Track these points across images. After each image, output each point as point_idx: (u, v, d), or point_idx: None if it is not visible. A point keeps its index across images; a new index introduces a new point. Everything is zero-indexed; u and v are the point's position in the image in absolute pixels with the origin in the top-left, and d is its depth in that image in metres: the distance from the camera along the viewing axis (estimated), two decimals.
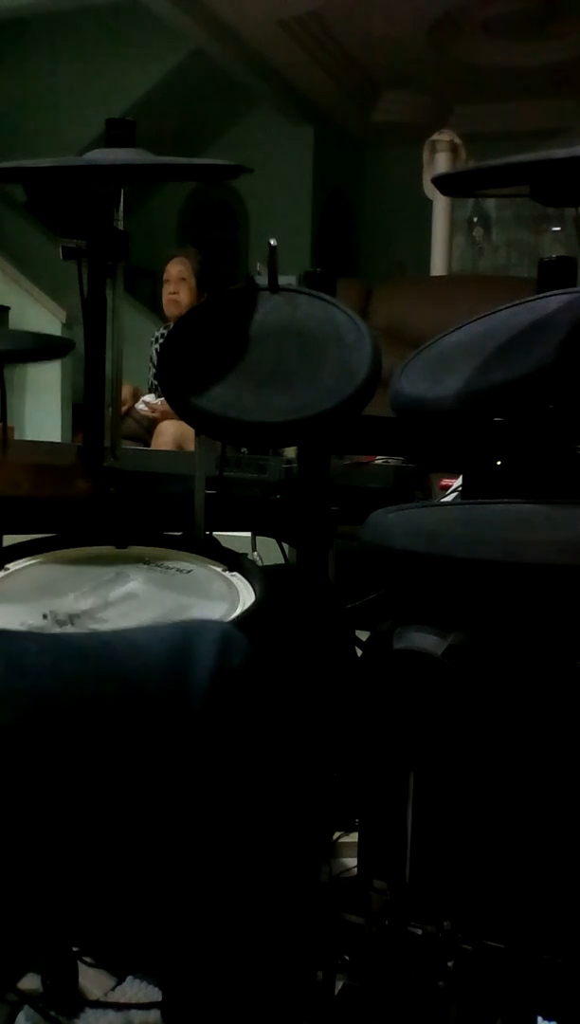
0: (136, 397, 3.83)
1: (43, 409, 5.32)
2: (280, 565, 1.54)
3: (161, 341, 3.65)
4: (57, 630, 1.04)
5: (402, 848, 1.07)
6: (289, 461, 1.57)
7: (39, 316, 5.52)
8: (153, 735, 0.82)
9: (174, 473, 1.52)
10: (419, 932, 1.08)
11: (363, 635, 1.30)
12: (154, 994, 1.30)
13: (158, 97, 6.58)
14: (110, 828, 0.82)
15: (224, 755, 0.85)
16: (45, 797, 0.78)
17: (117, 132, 1.40)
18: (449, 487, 1.53)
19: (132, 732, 0.82)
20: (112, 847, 0.83)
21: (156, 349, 3.77)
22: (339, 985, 1.16)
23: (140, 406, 3.81)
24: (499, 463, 1.26)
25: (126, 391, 3.83)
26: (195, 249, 3.79)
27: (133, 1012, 1.29)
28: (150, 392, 3.84)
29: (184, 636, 0.88)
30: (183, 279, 3.64)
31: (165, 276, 3.73)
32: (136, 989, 1.33)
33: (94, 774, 0.80)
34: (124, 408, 3.70)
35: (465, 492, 1.35)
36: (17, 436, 1.94)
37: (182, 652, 0.86)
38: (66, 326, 5.40)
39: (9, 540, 1.32)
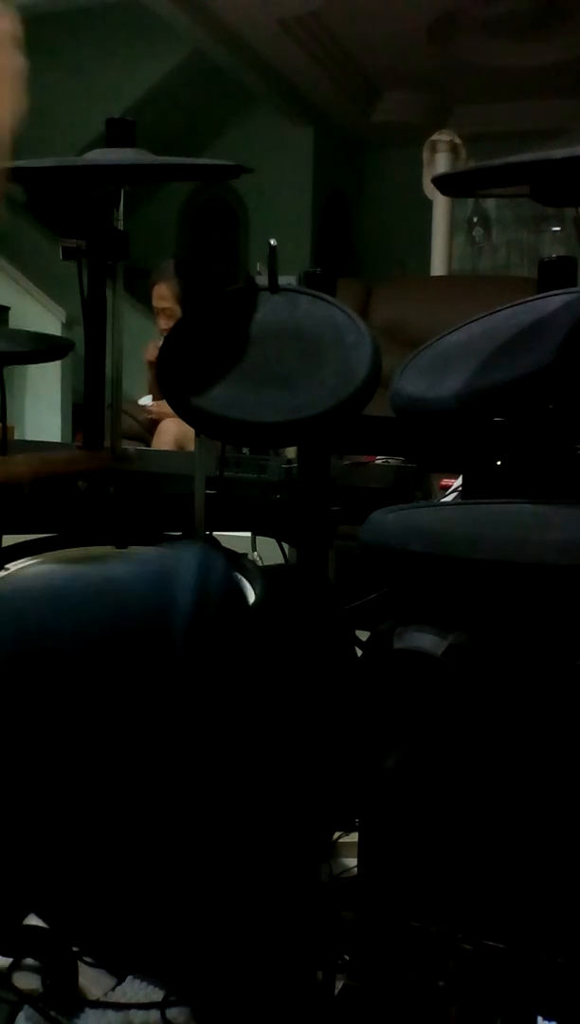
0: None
1: (43, 409, 5.32)
2: (280, 565, 1.54)
3: None
4: None
5: (402, 848, 1.07)
6: (289, 461, 1.57)
7: (39, 316, 5.52)
8: (138, 667, 0.82)
9: (174, 473, 1.52)
10: (419, 932, 1.08)
11: (363, 635, 1.30)
12: (154, 994, 1.30)
13: (158, 97, 6.58)
14: (103, 787, 0.82)
15: (210, 683, 0.85)
16: (36, 741, 0.78)
17: (117, 132, 1.40)
18: (449, 487, 1.53)
19: (118, 665, 0.82)
20: (106, 825, 0.83)
21: None
22: (339, 985, 1.16)
23: (141, 403, 3.81)
24: (499, 463, 1.26)
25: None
26: (172, 266, 3.70)
27: (133, 1012, 1.29)
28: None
29: (163, 566, 0.89)
30: (166, 308, 3.62)
31: (153, 303, 3.70)
32: (136, 989, 1.33)
33: (83, 711, 0.80)
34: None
35: (465, 492, 1.35)
36: (17, 436, 1.94)
37: (162, 582, 0.86)
38: (66, 326, 5.40)
39: (9, 540, 1.32)
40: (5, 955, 1.28)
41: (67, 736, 0.80)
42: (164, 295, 3.64)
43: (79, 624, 0.82)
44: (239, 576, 0.90)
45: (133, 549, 1.30)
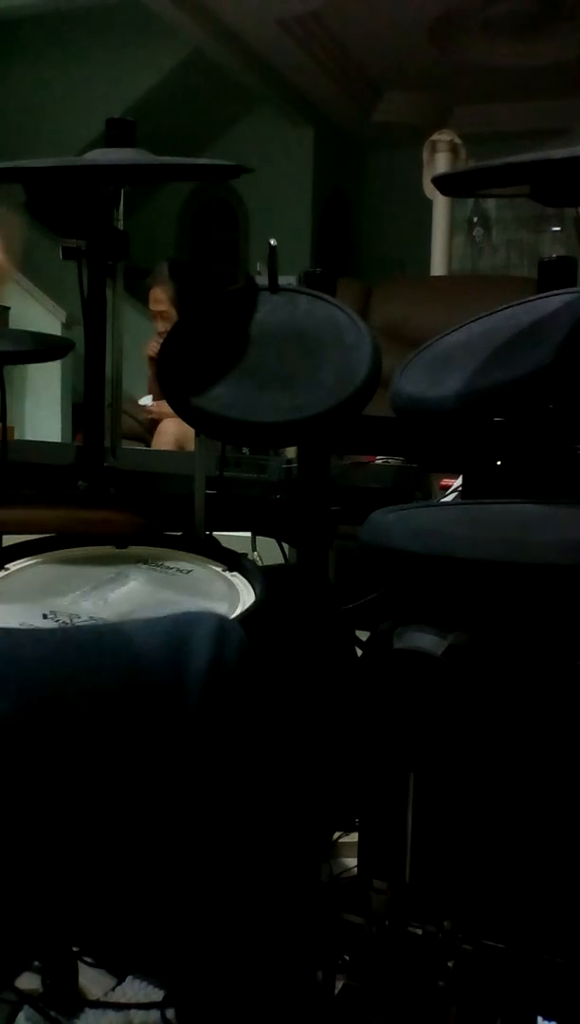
0: None
1: (43, 409, 5.32)
2: (280, 565, 1.54)
3: None
4: None
5: (402, 848, 1.07)
6: (289, 461, 1.57)
7: (39, 316, 5.52)
8: (151, 726, 0.82)
9: (174, 473, 1.52)
10: (419, 932, 1.08)
11: (363, 635, 1.30)
12: (154, 994, 1.30)
13: (158, 97, 6.58)
14: (109, 822, 0.82)
15: (222, 746, 0.85)
16: (43, 788, 0.78)
17: (117, 132, 1.40)
18: (449, 487, 1.53)
19: (130, 723, 0.82)
20: (110, 842, 0.83)
21: None
22: (339, 985, 1.16)
23: (141, 403, 3.81)
24: (499, 463, 1.26)
25: None
26: (168, 268, 3.69)
27: (133, 1012, 1.29)
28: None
29: (179, 628, 0.88)
30: (162, 311, 3.61)
31: (150, 307, 3.69)
32: (136, 989, 1.33)
33: (92, 765, 0.80)
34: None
35: (465, 492, 1.35)
36: (17, 436, 1.94)
37: (178, 644, 0.86)
38: (66, 326, 5.40)
39: (9, 540, 1.32)
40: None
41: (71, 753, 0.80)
42: (159, 298, 3.63)
43: (89, 681, 0.82)
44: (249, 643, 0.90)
45: (133, 550, 1.30)
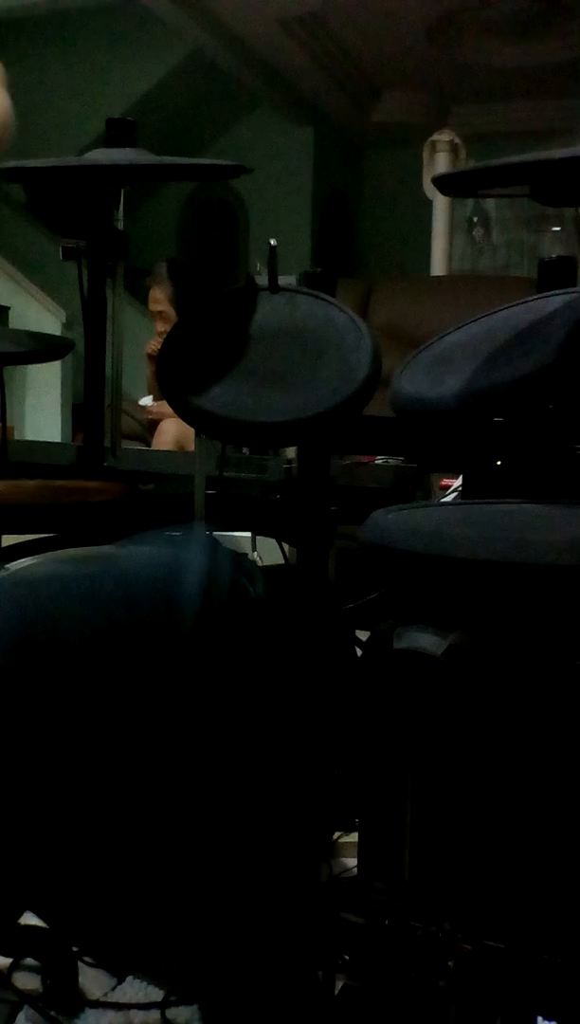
0: None
1: (43, 409, 5.32)
2: (280, 565, 1.54)
3: None
4: None
5: (402, 848, 1.07)
6: (289, 461, 1.57)
7: (39, 316, 5.52)
8: (145, 655, 0.83)
9: (174, 473, 1.52)
10: (419, 932, 1.08)
11: (363, 635, 1.30)
12: (154, 994, 1.30)
13: (158, 97, 6.58)
14: (107, 774, 0.82)
15: (218, 673, 0.85)
16: (39, 733, 0.78)
17: (117, 132, 1.40)
18: (449, 487, 1.53)
19: (124, 655, 0.82)
20: (107, 829, 0.83)
21: None
22: (339, 985, 1.16)
23: (141, 404, 3.81)
24: (499, 463, 1.26)
25: None
26: (166, 268, 3.67)
27: (133, 1012, 1.29)
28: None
29: (170, 554, 0.89)
30: (161, 312, 3.59)
31: (149, 307, 3.68)
32: (136, 989, 1.32)
33: (88, 704, 0.81)
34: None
35: (465, 492, 1.35)
36: (17, 436, 1.94)
37: (169, 569, 0.87)
38: (66, 326, 5.41)
39: (9, 540, 1.32)
40: (5, 955, 1.28)
41: (70, 727, 0.80)
42: (158, 298, 3.62)
43: (85, 612, 0.83)
44: (244, 569, 0.90)
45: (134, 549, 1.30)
